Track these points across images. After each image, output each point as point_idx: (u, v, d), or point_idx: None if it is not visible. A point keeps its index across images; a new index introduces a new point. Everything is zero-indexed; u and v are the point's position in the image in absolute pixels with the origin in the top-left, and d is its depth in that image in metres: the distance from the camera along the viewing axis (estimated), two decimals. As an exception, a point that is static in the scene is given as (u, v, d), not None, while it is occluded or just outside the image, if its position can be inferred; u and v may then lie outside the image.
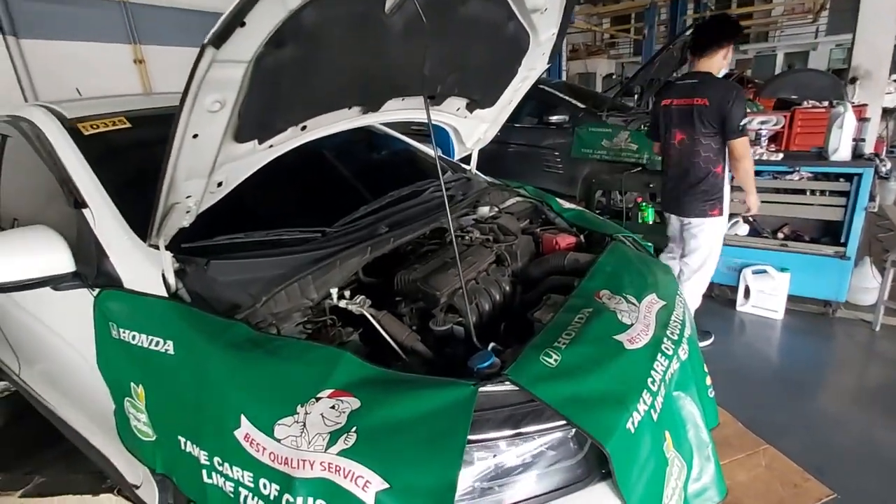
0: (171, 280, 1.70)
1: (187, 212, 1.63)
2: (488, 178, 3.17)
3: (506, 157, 6.54)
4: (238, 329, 1.53)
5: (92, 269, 1.80)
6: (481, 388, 1.37)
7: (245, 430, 1.32)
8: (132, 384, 1.58)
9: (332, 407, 1.30)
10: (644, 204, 4.61)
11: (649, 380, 1.55)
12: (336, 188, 2.83)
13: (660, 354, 1.66)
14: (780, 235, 4.21)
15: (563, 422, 1.38)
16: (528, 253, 2.50)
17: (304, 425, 1.27)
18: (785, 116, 5.32)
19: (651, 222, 4.60)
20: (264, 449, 1.28)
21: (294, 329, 1.75)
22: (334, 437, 1.23)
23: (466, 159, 3.17)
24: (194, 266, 1.76)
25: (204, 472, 1.40)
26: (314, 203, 2.50)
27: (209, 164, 1.54)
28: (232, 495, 1.34)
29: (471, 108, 2.63)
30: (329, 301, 1.80)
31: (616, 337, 1.66)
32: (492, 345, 1.64)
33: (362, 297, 1.82)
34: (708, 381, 2.08)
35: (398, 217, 2.26)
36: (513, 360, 1.48)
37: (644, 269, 2.20)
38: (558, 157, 6.28)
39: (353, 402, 1.31)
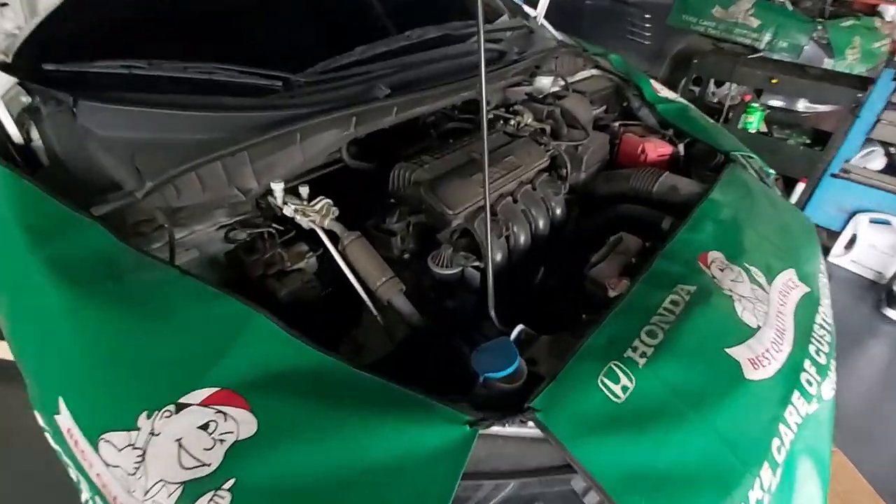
0: (9, 125, 1.01)
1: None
2: (559, 35, 2.18)
3: (581, 14, 5.12)
4: (90, 235, 0.88)
5: None
6: (484, 431, 0.75)
7: (66, 423, 0.76)
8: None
9: (204, 427, 0.71)
10: (753, 105, 3.48)
11: (775, 442, 0.90)
12: (318, 17, 1.91)
13: (797, 392, 0.99)
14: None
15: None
16: (600, 159, 1.69)
17: (144, 456, 0.69)
18: None
19: (755, 131, 3.53)
20: (90, 463, 0.73)
21: (208, 240, 1.10)
22: (190, 494, 0.66)
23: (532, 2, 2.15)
24: (53, 105, 1.05)
25: (47, 434, 0.89)
26: (281, 34, 1.65)
27: None
28: (75, 480, 0.83)
29: None
30: (272, 199, 1.11)
31: (731, 351, 0.97)
32: (519, 328, 0.97)
33: (326, 201, 1.12)
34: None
35: (412, 74, 1.44)
36: (550, 376, 0.83)
37: (777, 221, 1.41)
38: (648, 22, 4.85)
39: (242, 422, 0.72)
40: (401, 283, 1.04)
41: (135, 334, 0.78)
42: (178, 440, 0.69)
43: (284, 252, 1.09)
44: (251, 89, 1.23)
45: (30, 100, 1.07)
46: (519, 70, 1.69)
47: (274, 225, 1.10)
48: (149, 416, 0.71)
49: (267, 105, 1.18)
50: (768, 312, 1.08)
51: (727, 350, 0.97)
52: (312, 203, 1.11)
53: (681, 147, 1.76)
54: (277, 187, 1.05)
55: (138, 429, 0.71)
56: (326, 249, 1.09)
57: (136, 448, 0.70)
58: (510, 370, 0.86)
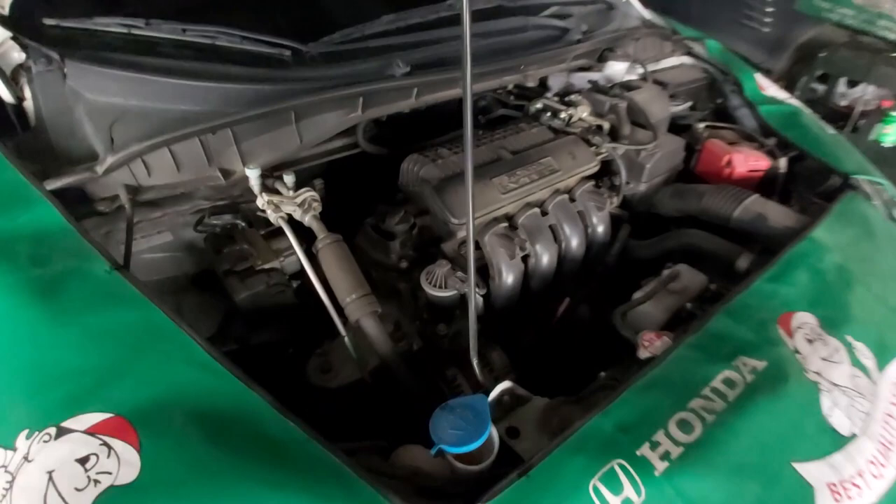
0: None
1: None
2: (646, 12, 1.83)
3: (689, -9, 4.50)
4: (37, 211, 0.80)
5: None
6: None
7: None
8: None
9: (83, 460, 0.58)
10: (893, 114, 2.82)
11: None
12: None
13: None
14: None
15: None
16: (669, 168, 1.38)
17: (12, 484, 0.58)
18: None
19: (893, 145, 2.87)
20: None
21: (184, 223, 0.99)
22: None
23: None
24: (44, 63, 0.97)
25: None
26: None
27: None
28: None
29: None
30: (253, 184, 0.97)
31: (803, 469, 0.69)
32: (503, 387, 0.76)
33: (310, 193, 0.96)
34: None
35: (446, 50, 1.22)
36: (521, 467, 0.62)
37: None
38: (770, 6, 4.14)
39: (125, 463, 0.59)
40: (375, 304, 0.86)
41: (39, 333, 0.68)
42: (50, 472, 0.58)
43: (253, 248, 0.94)
44: (257, 59, 1.09)
45: (24, 56, 1.01)
46: (581, 52, 1.41)
47: (235, 219, 0.96)
48: (28, 437, 0.60)
49: (264, 77, 1.03)
50: (871, 414, 0.77)
51: (796, 466, 0.69)
52: (295, 194, 0.95)
53: (782, 162, 1.39)
54: (252, 173, 0.91)
55: (15, 449, 0.60)
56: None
57: (7, 471, 0.59)
58: (472, 445, 0.65)
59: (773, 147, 1.44)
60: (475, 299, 0.99)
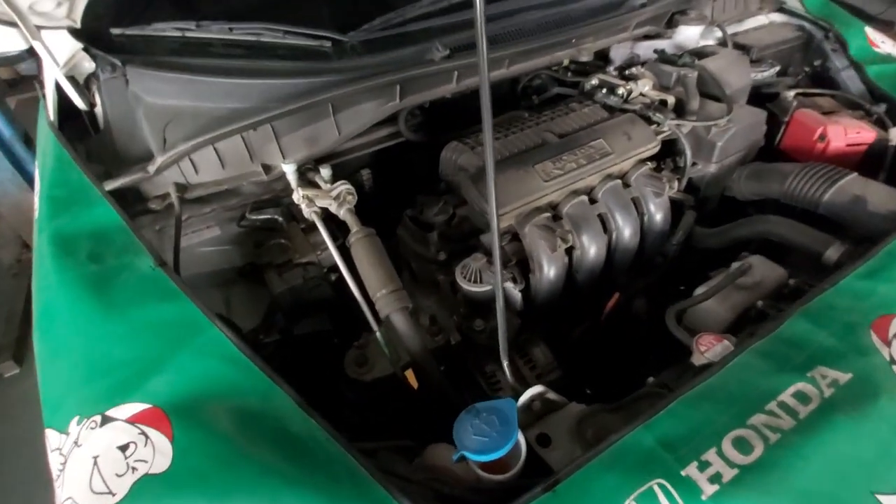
0: (70, 90, 1.04)
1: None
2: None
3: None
4: (96, 210, 0.86)
5: None
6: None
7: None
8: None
9: (123, 448, 0.63)
10: None
11: None
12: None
13: None
14: None
15: None
16: (747, 146, 1.21)
17: (64, 466, 0.64)
18: None
19: None
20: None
21: (231, 217, 1.03)
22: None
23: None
24: (109, 71, 1.05)
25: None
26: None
27: None
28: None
29: None
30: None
31: (887, 501, 0.57)
32: (535, 391, 0.71)
33: (345, 187, 0.95)
34: None
35: (492, 28, 1.15)
36: (546, 480, 0.57)
37: None
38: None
39: (159, 453, 0.62)
40: (406, 300, 0.84)
41: (92, 326, 0.73)
42: (95, 458, 0.63)
43: (291, 242, 0.96)
44: (299, 52, 1.10)
45: (93, 65, 1.09)
46: (645, 18, 1.27)
47: (272, 214, 0.97)
48: (78, 423, 0.66)
49: (303, 70, 1.03)
50: None
51: (881, 499, 0.58)
52: (330, 188, 0.95)
53: (894, 132, 1.17)
54: (288, 168, 0.92)
55: (68, 434, 0.66)
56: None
57: (61, 454, 0.65)
58: (496, 453, 0.61)
59: (882, 115, 1.21)
60: (513, 294, 0.94)
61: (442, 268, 1.04)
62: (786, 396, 0.66)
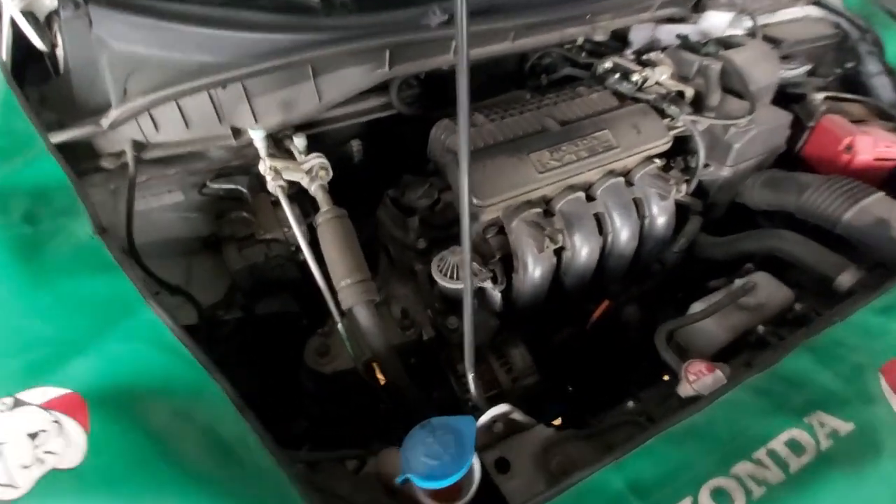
0: (28, 29, 0.94)
1: None
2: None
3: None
4: (39, 164, 0.78)
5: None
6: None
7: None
8: None
9: (33, 435, 0.56)
10: None
11: None
12: None
13: None
14: None
15: None
16: (767, 150, 1.11)
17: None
18: None
19: None
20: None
21: (195, 184, 0.94)
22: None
23: None
24: (72, 9, 0.94)
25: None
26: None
27: None
28: None
29: None
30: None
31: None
32: (498, 412, 0.64)
33: (319, 160, 0.87)
34: None
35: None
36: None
37: None
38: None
39: (72, 445, 0.56)
40: (372, 292, 0.76)
41: (17, 295, 0.66)
42: (1, 445, 0.56)
43: (257, 216, 0.88)
44: (284, 5, 0.99)
45: (55, 1, 0.98)
46: (664, 1, 1.15)
47: (230, 185, 0.88)
48: (-7, 401, 0.59)
49: (284, 25, 0.92)
50: None
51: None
52: (303, 160, 0.86)
53: (928, 150, 1.07)
54: (256, 134, 0.82)
55: (-22, 412, 0.59)
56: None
57: (-32, 436, 0.59)
58: (445, 481, 0.55)
59: (916, 128, 1.11)
60: (492, 295, 0.87)
61: (420, 256, 0.96)
62: (777, 444, 0.59)
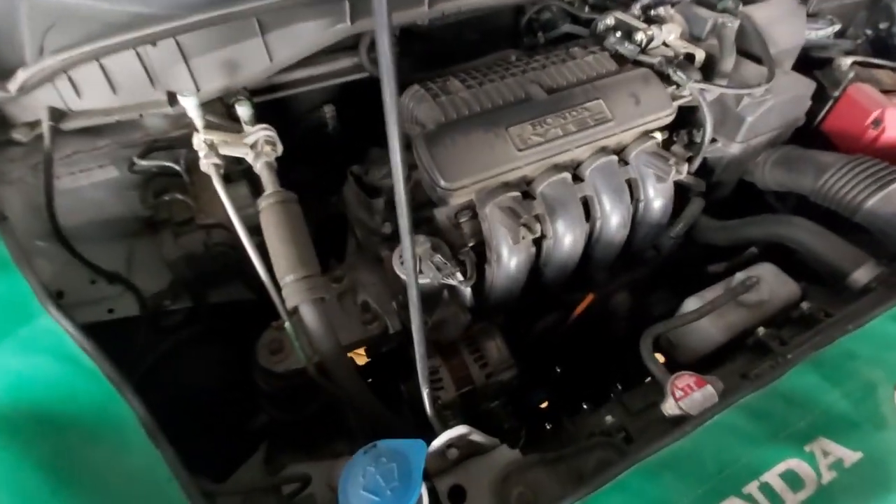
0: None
1: None
2: None
3: None
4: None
5: None
6: None
7: None
8: None
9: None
10: None
11: None
12: None
13: None
14: None
15: None
16: (783, 123, 0.98)
17: None
18: None
19: None
20: None
21: (126, 160, 0.83)
22: None
23: None
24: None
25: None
26: None
27: None
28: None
29: None
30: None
31: None
32: (453, 435, 0.55)
33: (265, 133, 0.75)
34: None
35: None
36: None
37: None
38: None
39: None
40: (319, 288, 0.67)
41: None
42: None
43: (193, 197, 0.77)
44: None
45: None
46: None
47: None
48: None
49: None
50: None
51: None
52: (246, 133, 0.75)
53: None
54: (187, 102, 0.71)
55: None
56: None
57: None
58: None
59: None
60: (461, 290, 0.77)
61: (387, 242, 0.86)
62: (772, 476, 0.52)
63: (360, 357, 1.05)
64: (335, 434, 0.86)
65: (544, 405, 1.10)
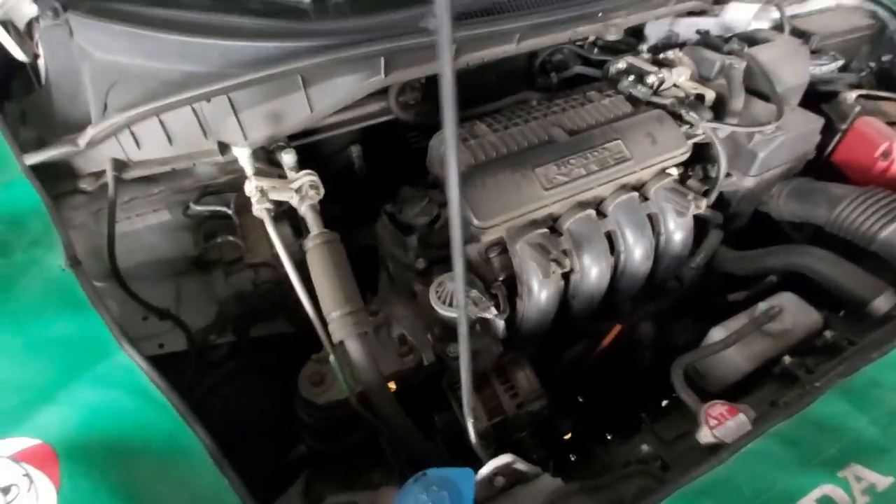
0: (5, 36, 0.90)
1: None
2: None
3: None
4: (13, 188, 0.74)
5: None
6: None
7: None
8: None
9: (5, 490, 0.53)
10: None
11: None
12: None
13: None
14: None
15: None
16: (794, 157, 1.03)
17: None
18: None
19: None
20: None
21: (178, 205, 0.89)
22: None
23: None
24: (51, 17, 0.90)
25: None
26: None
27: None
28: None
29: None
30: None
31: None
32: (496, 463, 0.59)
33: (310, 178, 0.81)
34: None
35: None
36: None
37: None
38: None
39: (43, 499, 0.52)
40: (364, 323, 0.71)
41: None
42: (-30, 501, 0.53)
43: (244, 238, 0.83)
44: (275, 9, 0.93)
45: (35, 9, 0.94)
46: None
47: (208, 206, 0.82)
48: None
49: (272, 31, 0.87)
50: None
51: None
52: (293, 178, 0.81)
53: (974, 155, 0.98)
54: (241, 153, 0.77)
55: (-55, 466, 0.56)
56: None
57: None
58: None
59: (963, 132, 1.02)
60: (495, 323, 0.81)
61: (420, 277, 0.90)
62: (808, 501, 0.54)
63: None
64: (372, 464, 0.88)
65: (568, 436, 1.12)
